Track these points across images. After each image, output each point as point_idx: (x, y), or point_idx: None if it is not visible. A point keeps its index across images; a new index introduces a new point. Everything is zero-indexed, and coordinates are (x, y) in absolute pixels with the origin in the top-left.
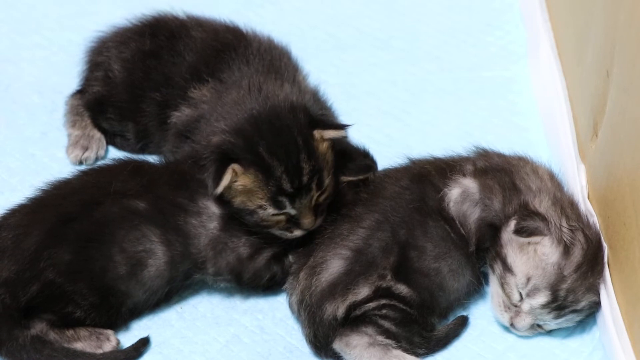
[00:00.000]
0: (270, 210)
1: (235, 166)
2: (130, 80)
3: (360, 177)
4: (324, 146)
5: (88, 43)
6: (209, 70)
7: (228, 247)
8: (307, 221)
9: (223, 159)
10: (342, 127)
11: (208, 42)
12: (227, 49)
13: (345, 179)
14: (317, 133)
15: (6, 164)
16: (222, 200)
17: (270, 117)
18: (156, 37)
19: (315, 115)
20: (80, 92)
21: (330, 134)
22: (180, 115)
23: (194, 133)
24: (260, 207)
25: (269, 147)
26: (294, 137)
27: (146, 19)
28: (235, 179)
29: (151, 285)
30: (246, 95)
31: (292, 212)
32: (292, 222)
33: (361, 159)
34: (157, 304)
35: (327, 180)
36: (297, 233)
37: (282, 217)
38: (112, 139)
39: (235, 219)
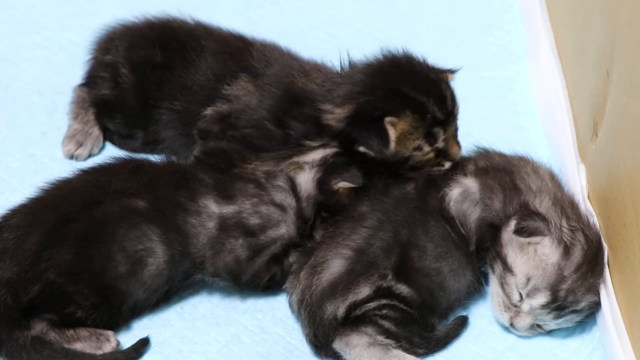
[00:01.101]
0: (426, 149)
1: (388, 119)
2: (142, 91)
3: (361, 185)
4: None
5: (96, 36)
6: (232, 71)
7: (226, 248)
8: (456, 149)
9: (371, 121)
10: (454, 71)
11: (221, 49)
12: (241, 53)
13: (346, 185)
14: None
15: (6, 164)
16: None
17: (395, 64)
18: (166, 49)
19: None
20: (87, 86)
21: (450, 76)
22: (218, 109)
23: (240, 119)
24: (417, 148)
25: (412, 86)
26: (426, 72)
27: (154, 23)
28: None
29: (151, 284)
30: (339, 70)
31: (441, 145)
32: (441, 155)
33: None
34: (157, 303)
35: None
36: (447, 165)
37: (432, 154)
38: (110, 137)
39: (234, 221)
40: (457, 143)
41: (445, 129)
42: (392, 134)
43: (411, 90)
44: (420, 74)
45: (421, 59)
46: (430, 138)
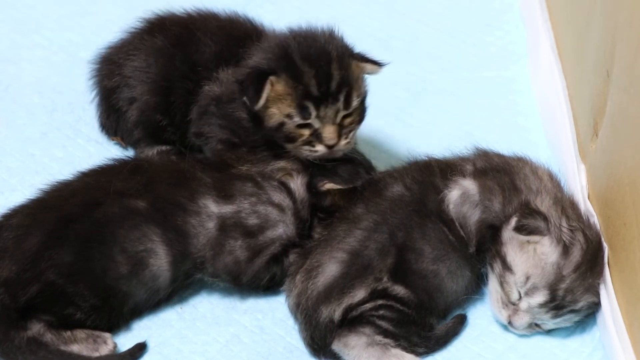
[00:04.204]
0: (296, 119)
1: (272, 78)
2: (161, 75)
3: (350, 186)
4: (359, 73)
5: (90, 76)
6: (232, 56)
7: (225, 250)
8: (329, 135)
9: (260, 75)
10: (380, 64)
11: (227, 30)
12: (248, 37)
13: (333, 187)
14: (353, 62)
15: (6, 164)
16: (257, 123)
17: (306, 35)
18: (167, 31)
19: (352, 48)
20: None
21: (368, 67)
22: (210, 89)
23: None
24: (288, 115)
25: (302, 54)
26: (328, 49)
27: (151, 18)
28: (271, 89)
29: (152, 285)
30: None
31: (316, 124)
32: (315, 136)
33: (353, 166)
34: (158, 303)
35: (355, 102)
36: (319, 149)
37: (306, 131)
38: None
39: (233, 220)
40: (336, 131)
41: (319, 107)
42: (266, 92)
43: (299, 57)
44: (322, 47)
45: (337, 35)
46: (304, 111)
